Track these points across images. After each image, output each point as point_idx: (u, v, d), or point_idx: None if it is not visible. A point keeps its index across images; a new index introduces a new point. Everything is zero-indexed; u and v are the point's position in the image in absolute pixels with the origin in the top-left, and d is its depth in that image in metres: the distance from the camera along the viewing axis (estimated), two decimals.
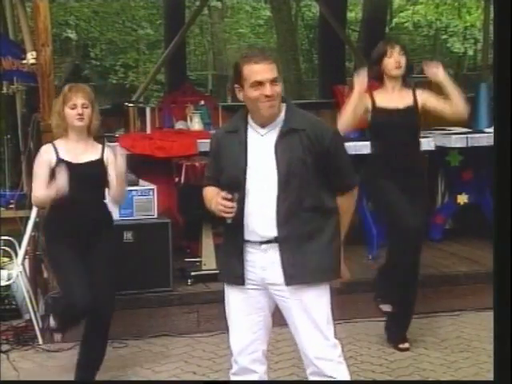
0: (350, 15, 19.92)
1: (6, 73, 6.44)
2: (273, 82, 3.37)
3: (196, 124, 7.08)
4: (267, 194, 3.39)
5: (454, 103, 5.21)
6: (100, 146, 4.76)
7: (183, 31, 10.66)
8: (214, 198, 3.42)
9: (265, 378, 3.62)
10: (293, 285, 3.40)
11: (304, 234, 3.40)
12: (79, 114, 4.60)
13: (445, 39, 25.54)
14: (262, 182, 3.40)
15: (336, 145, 3.47)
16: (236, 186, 3.41)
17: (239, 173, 3.41)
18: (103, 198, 4.79)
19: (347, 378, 3.51)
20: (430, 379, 4.82)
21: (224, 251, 3.57)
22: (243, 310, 3.51)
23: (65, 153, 4.63)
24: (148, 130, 6.87)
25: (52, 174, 4.57)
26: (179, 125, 7.24)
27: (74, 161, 4.62)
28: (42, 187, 4.56)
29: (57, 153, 4.63)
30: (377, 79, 5.39)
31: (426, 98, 5.34)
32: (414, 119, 5.36)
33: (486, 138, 6.56)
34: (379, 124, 5.32)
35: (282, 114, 3.44)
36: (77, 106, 4.60)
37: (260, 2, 24.92)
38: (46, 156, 4.65)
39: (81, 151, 4.66)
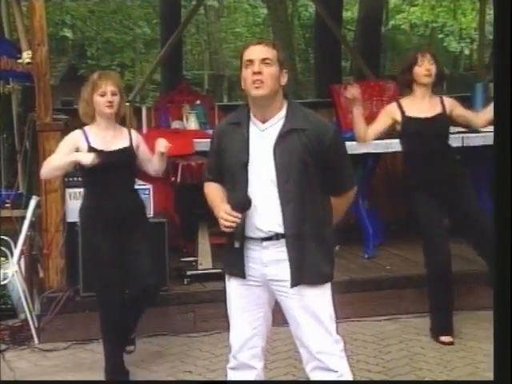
0: (346, 14, 19.94)
1: (1, 72, 6.42)
2: (264, 61, 3.38)
3: (192, 123, 7.08)
4: (267, 192, 3.38)
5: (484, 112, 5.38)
6: (125, 130, 4.83)
7: (179, 30, 10.64)
8: (218, 207, 3.42)
9: (262, 374, 3.62)
10: (298, 286, 3.40)
11: (308, 234, 3.40)
12: (109, 102, 4.65)
13: (441, 38, 25.58)
14: (262, 179, 3.39)
15: (336, 144, 3.45)
16: (237, 179, 3.41)
17: (241, 167, 3.41)
18: (134, 185, 4.90)
19: (349, 373, 3.51)
20: (427, 379, 4.82)
21: (228, 246, 3.55)
22: (244, 305, 3.52)
23: (95, 140, 4.69)
24: (144, 130, 6.86)
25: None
26: (175, 124, 7.24)
27: (106, 148, 4.68)
28: (56, 160, 4.69)
29: (88, 140, 4.68)
30: (407, 87, 5.41)
31: (453, 105, 5.40)
32: (445, 127, 5.38)
33: (482, 137, 6.57)
34: (410, 134, 5.33)
35: (284, 112, 3.43)
36: (106, 94, 4.64)
37: (257, 1, 24.94)
38: (75, 140, 4.71)
39: (111, 138, 4.73)
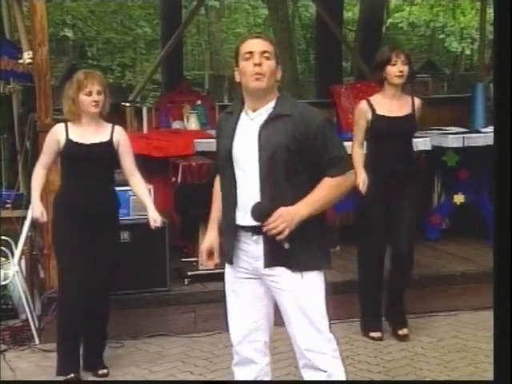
0: (347, 15, 19.96)
1: (2, 73, 6.42)
2: (263, 54, 3.40)
3: (193, 124, 7.09)
4: (253, 179, 3.38)
5: None
6: (109, 126, 4.84)
7: (180, 31, 10.65)
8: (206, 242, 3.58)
9: (267, 370, 3.60)
10: (270, 267, 3.39)
11: None
12: (95, 101, 4.69)
13: (442, 38, 25.58)
14: (248, 166, 3.39)
15: (324, 132, 3.40)
16: (224, 167, 3.45)
17: (226, 155, 3.44)
18: (112, 182, 4.88)
19: (342, 373, 3.49)
20: (427, 379, 4.82)
21: (223, 235, 3.59)
22: (241, 299, 3.52)
23: (74, 133, 4.73)
24: (145, 130, 6.87)
25: (60, 153, 4.76)
26: (176, 124, 7.24)
27: (83, 141, 4.71)
28: (43, 164, 4.80)
29: (67, 133, 4.73)
30: (379, 84, 5.40)
31: (419, 111, 5.40)
32: (413, 127, 5.40)
33: (482, 137, 6.58)
34: (378, 131, 5.32)
35: (274, 102, 3.45)
36: (92, 93, 4.69)
37: (258, 1, 24.95)
38: (56, 136, 4.78)
39: (91, 133, 4.76)
